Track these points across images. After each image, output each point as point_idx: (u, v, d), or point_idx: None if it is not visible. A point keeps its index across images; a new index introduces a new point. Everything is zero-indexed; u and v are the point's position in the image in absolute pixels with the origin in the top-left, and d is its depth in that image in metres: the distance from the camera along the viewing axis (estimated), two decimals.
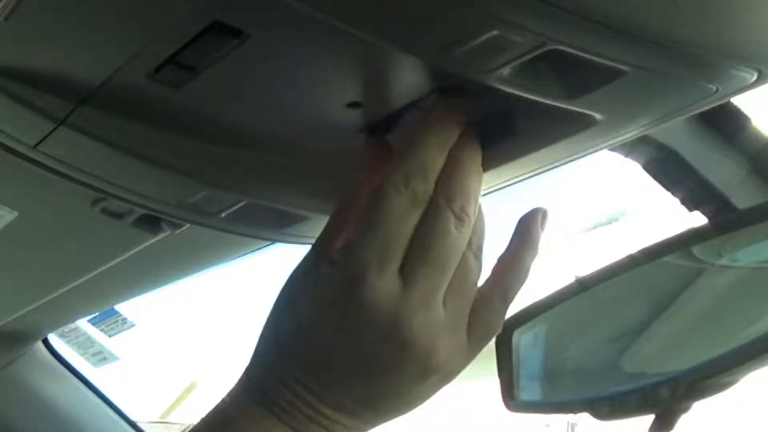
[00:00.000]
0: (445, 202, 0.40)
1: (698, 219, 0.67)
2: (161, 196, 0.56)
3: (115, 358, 1.39)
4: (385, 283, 0.39)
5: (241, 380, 0.43)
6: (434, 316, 0.40)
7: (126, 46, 0.40)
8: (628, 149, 0.67)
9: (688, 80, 0.38)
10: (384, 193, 0.39)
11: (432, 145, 0.40)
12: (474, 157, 0.41)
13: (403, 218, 0.39)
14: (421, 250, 0.39)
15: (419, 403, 0.42)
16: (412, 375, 0.40)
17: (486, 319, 0.42)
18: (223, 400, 0.43)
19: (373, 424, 0.42)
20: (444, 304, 0.40)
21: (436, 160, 0.40)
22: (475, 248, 0.41)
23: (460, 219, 0.40)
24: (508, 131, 0.43)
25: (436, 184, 0.40)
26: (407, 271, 0.39)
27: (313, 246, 0.45)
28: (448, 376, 0.42)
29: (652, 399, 0.50)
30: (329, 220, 0.46)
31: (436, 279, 0.39)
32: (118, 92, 0.44)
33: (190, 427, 0.42)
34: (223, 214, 0.55)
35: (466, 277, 0.41)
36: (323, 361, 0.40)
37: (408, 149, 0.40)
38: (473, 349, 0.42)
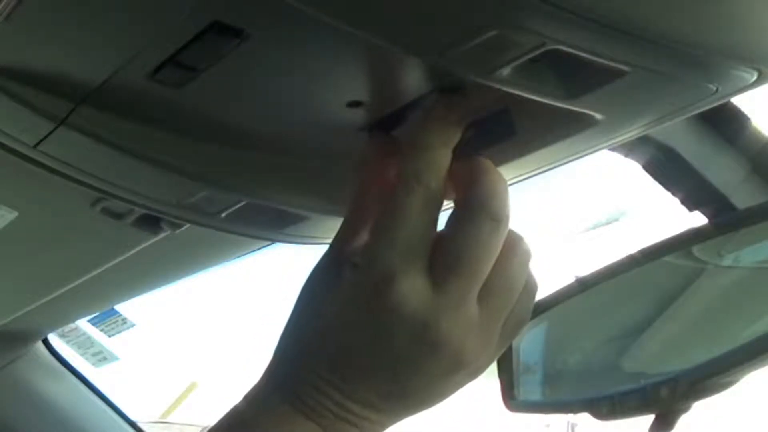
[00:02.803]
0: (481, 207, 0.39)
1: (698, 219, 0.67)
2: (161, 196, 0.56)
3: (115, 358, 1.39)
4: (412, 285, 0.39)
5: (262, 380, 0.43)
6: (465, 317, 0.39)
7: (126, 46, 0.40)
8: (628, 149, 0.67)
9: (688, 80, 0.38)
10: (397, 193, 0.40)
11: (435, 144, 0.40)
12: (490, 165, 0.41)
13: (420, 216, 0.39)
14: (454, 254, 0.39)
15: (446, 397, 0.43)
16: (441, 372, 0.40)
17: (518, 312, 0.42)
18: (243, 401, 0.43)
19: (400, 418, 0.43)
20: (481, 302, 0.40)
21: (442, 157, 0.40)
22: (522, 253, 0.41)
23: (496, 220, 0.39)
24: (508, 131, 0.43)
25: (468, 190, 0.40)
26: (438, 275, 0.39)
27: (331, 247, 0.45)
28: (477, 371, 0.42)
29: (652, 399, 0.50)
30: (344, 220, 0.46)
31: (470, 282, 0.39)
32: (118, 92, 0.44)
33: (207, 428, 0.42)
34: (223, 214, 0.55)
35: (509, 281, 0.41)
36: (349, 360, 0.40)
37: (413, 148, 0.41)
38: (504, 342, 0.42)
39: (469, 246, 0.39)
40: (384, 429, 0.43)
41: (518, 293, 0.42)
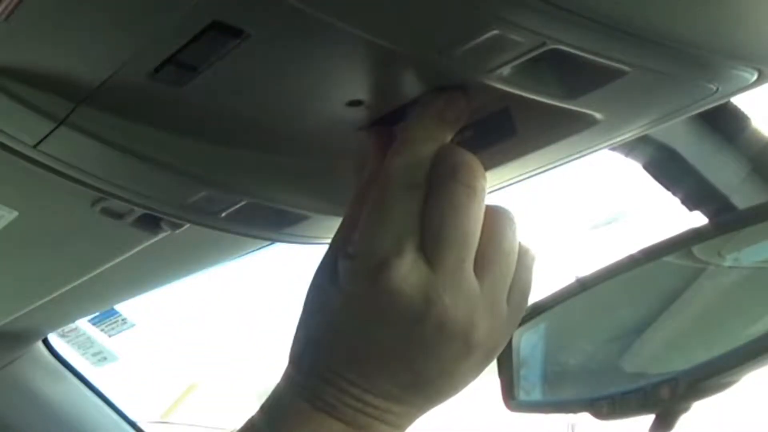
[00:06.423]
0: (451, 175, 0.40)
1: (698, 219, 0.67)
2: (161, 196, 0.56)
3: (115, 358, 1.39)
4: (408, 265, 0.39)
5: (281, 385, 0.43)
6: (466, 290, 0.39)
7: (126, 46, 0.40)
8: (628, 149, 0.67)
9: (688, 80, 0.38)
10: (384, 184, 0.40)
11: (423, 138, 0.41)
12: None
13: (406, 200, 0.40)
14: (438, 225, 0.39)
15: (467, 383, 0.42)
16: (454, 354, 0.40)
17: (520, 281, 0.42)
18: (259, 412, 0.43)
19: (425, 409, 0.42)
20: (479, 276, 0.40)
21: (428, 151, 0.41)
22: (508, 221, 0.42)
23: (469, 186, 0.40)
24: (508, 131, 0.43)
25: (439, 161, 0.40)
26: (429, 252, 0.39)
27: (331, 244, 0.45)
28: (492, 351, 0.42)
29: (652, 399, 0.50)
30: (344, 217, 0.46)
31: (460, 251, 0.39)
32: (118, 92, 0.44)
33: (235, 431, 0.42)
34: (223, 214, 0.55)
35: (501, 248, 0.41)
36: (362, 353, 0.40)
37: (402, 141, 0.41)
38: (514, 316, 0.42)
39: (448, 214, 0.39)
40: (410, 422, 0.42)
41: (514, 261, 0.42)
